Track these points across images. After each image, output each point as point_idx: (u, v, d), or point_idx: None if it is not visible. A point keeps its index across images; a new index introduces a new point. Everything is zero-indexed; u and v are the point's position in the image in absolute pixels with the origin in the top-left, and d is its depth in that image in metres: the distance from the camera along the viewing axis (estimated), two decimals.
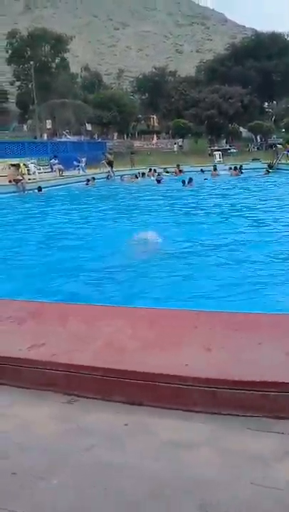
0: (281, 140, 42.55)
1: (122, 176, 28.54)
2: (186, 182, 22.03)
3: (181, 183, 22.26)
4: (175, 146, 52.11)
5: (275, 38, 62.95)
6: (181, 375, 2.37)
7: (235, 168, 28.40)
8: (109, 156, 36.70)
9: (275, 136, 49.17)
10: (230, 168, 28.55)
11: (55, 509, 1.79)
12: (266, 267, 6.82)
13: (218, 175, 27.94)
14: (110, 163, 33.78)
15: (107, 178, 29.09)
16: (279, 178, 25.03)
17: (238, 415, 2.27)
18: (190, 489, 1.84)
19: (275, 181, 23.68)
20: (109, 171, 31.46)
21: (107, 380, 2.47)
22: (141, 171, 30.59)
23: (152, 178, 26.62)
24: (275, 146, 35.77)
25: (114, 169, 32.25)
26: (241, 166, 29.11)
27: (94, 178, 27.01)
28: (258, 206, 14.87)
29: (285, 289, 5.76)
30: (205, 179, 25.35)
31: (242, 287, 5.88)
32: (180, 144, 52.23)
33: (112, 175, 30.45)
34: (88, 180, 26.47)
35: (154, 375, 2.40)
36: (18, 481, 1.94)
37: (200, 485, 1.87)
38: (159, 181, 24.96)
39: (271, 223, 11.11)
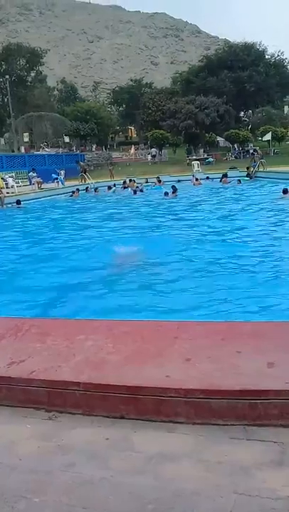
0: (258, 148, 43.16)
1: (95, 188, 28.39)
2: (170, 192, 21.59)
3: (164, 194, 21.87)
4: (149, 156, 52.35)
5: (247, 48, 64.14)
6: (162, 386, 2.37)
7: (225, 176, 28.60)
8: (82, 163, 36.94)
9: (252, 145, 49.91)
10: (223, 176, 28.52)
11: None
12: (239, 277, 6.89)
13: (200, 184, 28.08)
14: (84, 171, 34.07)
15: (86, 190, 29.07)
16: (253, 186, 25.33)
17: (221, 425, 2.27)
18: (175, 502, 1.84)
19: (250, 189, 24.00)
20: (88, 183, 31.53)
21: (88, 395, 2.45)
22: (115, 182, 30.70)
23: (130, 189, 26.53)
24: (253, 153, 36.13)
25: (92, 181, 32.36)
26: (226, 173, 29.30)
27: (78, 190, 27.06)
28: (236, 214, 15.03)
29: (268, 297, 5.80)
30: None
31: (220, 296, 5.92)
32: (153, 153, 52.46)
33: (90, 185, 30.46)
34: (73, 192, 26.49)
35: (135, 388, 2.40)
36: (2, 500, 1.90)
37: (183, 498, 1.86)
38: (135, 192, 24.85)
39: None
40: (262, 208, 16.02)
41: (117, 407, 2.41)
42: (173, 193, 21.47)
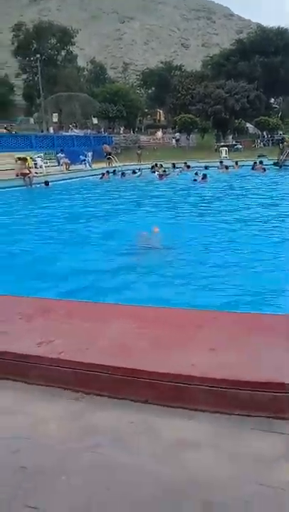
0: (287, 137, 42.23)
1: (122, 172, 28.15)
2: (200, 178, 21.42)
3: (193, 180, 21.83)
4: (173, 140, 51.75)
5: (281, 33, 62.44)
6: (187, 374, 2.41)
7: (261, 162, 28.05)
8: (107, 146, 36.81)
9: (281, 133, 48.87)
10: (255, 163, 28.07)
11: (64, 503, 1.84)
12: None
13: (228, 171, 27.61)
14: (109, 154, 33.86)
15: (114, 172, 29.05)
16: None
17: (243, 415, 2.31)
18: (193, 489, 1.88)
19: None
20: (115, 166, 31.45)
21: (114, 378, 2.51)
22: (140, 166, 30.54)
23: (156, 173, 26.33)
24: (282, 142, 35.35)
25: (119, 164, 32.27)
26: (261, 161, 28.75)
27: (108, 172, 27.05)
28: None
29: None
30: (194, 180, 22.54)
31: (247, 286, 5.90)
32: (177, 138, 51.85)
33: (117, 168, 30.37)
34: (103, 174, 26.53)
35: (159, 374, 2.44)
36: (28, 476, 1.99)
37: (203, 485, 1.91)
38: (161, 176, 24.72)
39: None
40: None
41: (141, 392, 2.46)
42: (202, 179, 21.33)
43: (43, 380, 2.63)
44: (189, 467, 2.01)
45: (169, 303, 4.68)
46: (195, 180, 21.64)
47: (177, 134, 53.19)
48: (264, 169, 26.49)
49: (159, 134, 58.25)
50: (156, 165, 30.13)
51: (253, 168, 27.55)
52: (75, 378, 2.57)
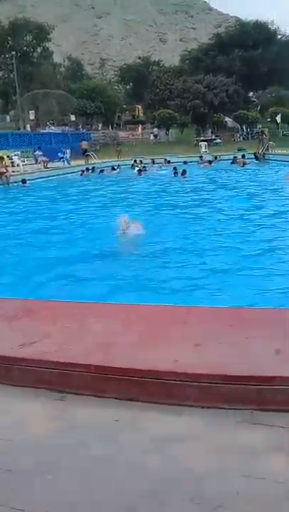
0: (266, 130, 42.54)
1: (101, 169, 27.85)
2: (180, 174, 21.52)
3: (173, 174, 21.96)
4: (151, 135, 51.62)
5: (259, 26, 62.86)
6: (171, 370, 2.41)
7: (243, 156, 28.24)
8: (84, 143, 36.65)
9: (260, 126, 49.26)
10: (235, 157, 28.20)
11: (51, 504, 1.83)
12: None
13: (210, 166, 27.67)
14: (85, 151, 33.72)
15: (92, 170, 28.86)
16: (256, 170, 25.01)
17: (228, 409, 2.33)
18: (182, 483, 1.90)
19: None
20: (94, 163, 31.27)
21: (98, 377, 2.51)
22: (119, 163, 30.44)
23: (136, 169, 26.26)
24: (261, 134, 35.60)
25: (98, 160, 32.11)
26: (244, 155, 28.93)
27: (88, 169, 26.89)
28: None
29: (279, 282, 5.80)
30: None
31: (229, 280, 5.95)
32: (156, 133, 51.77)
33: (96, 165, 30.20)
34: (83, 171, 26.35)
35: (144, 371, 2.45)
36: (15, 478, 1.97)
37: (192, 478, 1.92)
38: (140, 172, 24.70)
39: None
40: (268, 190, 16.00)
41: (126, 390, 2.46)
42: (182, 174, 21.42)
43: (26, 381, 2.61)
44: (177, 461, 2.03)
45: (151, 299, 4.68)
46: (175, 174, 21.72)
47: (155, 129, 53.17)
48: (244, 163, 26.66)
49: (139, 129, 58.12)
50: (136, 161, 30.07)
51: (232, 163, 27.71)
52: (59, 378, 2.56)
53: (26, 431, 2.31)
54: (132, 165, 29.24)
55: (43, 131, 47.36)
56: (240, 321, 2.98)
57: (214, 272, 6.33)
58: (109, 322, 3.02)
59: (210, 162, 28.42)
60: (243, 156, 28.27)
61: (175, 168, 23.05)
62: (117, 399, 2.47)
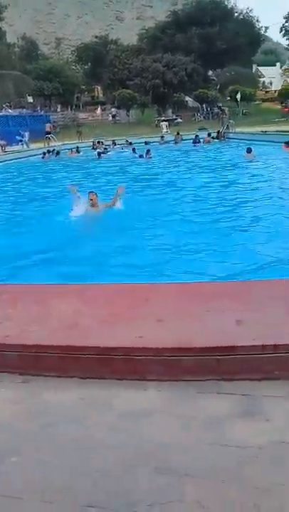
0: (226, 109, 42.60)
1: (57, 151, 27.08)
2: (145, 153, 21.42)
3: (137, 156, 21.80)
4: (109, 116, 50.83)
5: (216, 3, 62.34)
6: (135, 346, 2.43)
7: (209, 135, 28.58)
8: (48, 125, 36.06)
9: (220, 105, 49.31)
10: (196, 136, 28.42)
11: (18, 487, 1.82)
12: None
13: (177, 143, 28.02)
14: (47, 133, 33.27)
15: (53, 152, 28.21)
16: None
17: (192, 380, 2.37)
18: (149, 456, 1.92)
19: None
20: (54, 145, 30.63)
21: (62, 357, 2.49)
22: (79, 145, 29.91)
23: (96, 151, 25.83)
24: (221, 113, 35.60)
25: (58, 143, 31.49)
26: (210, 133, 29.20)
27: (49, 152, 26.31)
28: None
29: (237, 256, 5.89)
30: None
31: (190, 256, 6.00)
32: (113, 113, 51.01)
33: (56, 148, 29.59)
34: (44, 153, 25.75)
35: (108, 349, 2.45)
36: None
37: (160, 451, 1.95)
38: (99, 155, 24.35)
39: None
40: (228, 167, 16.24)
41: (90, 368, 2.46)
42: (147, 154, 21.31)
43: None
44: (145, 435, 2.05)
45: (115, 278, 4.66)
46: (140, 156, 21.54)
47: (113, 109, 52.24)
48: (209, 142, 27.05)
49: (99, 110, 57.09)
50: (98, 142, 29.61)
51: (194, 142, 27.78)
52: (22, 361, 2.53)
53: None
54: (92, 147, 28.75)
55: (0, 113, 45.87)
56: (202, 295, 3.02)
57: (179, 249, 6.37)
58: (72, 302, 3.00)
59: (176, 142, 28.86)
60: (209, 135, 28.49)
61: (134, 150, 22.94)
62: (81, 378, 2.46)
